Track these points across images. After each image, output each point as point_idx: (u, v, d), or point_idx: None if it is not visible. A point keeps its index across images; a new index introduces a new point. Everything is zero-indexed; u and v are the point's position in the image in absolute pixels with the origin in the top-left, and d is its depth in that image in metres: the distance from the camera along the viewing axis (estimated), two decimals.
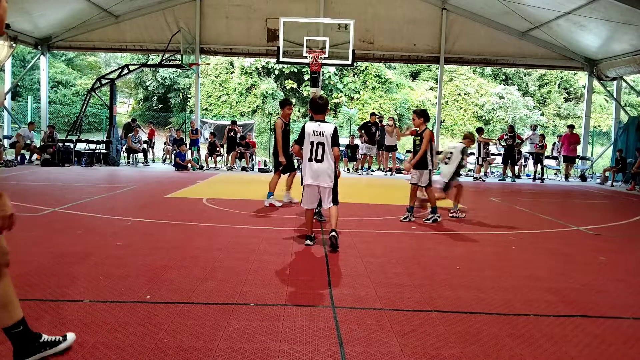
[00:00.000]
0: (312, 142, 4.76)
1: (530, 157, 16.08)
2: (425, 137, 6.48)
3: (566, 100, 28.92)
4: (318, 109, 4.90)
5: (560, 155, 16.44)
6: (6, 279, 2.22)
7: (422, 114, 6.57)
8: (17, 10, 13.97)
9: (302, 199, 5.04)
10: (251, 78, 26.15)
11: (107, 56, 29.39)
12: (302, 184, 5.00)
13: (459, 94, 27.84)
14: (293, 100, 26.36)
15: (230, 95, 26.22)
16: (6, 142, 14.75)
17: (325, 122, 4.90)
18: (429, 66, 27.69)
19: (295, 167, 7.98)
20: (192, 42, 16.28)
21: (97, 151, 15.25)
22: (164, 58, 15.60)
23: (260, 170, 15.38)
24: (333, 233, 4.74)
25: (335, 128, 4.85)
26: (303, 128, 4.88)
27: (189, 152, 15.70)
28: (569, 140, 15.74)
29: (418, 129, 6.62)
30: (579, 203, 10.42)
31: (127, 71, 16.18)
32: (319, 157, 4.75)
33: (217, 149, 15.97)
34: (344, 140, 15.82)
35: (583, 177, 16.37)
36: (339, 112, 26.36)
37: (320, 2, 16.28)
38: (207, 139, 16.50)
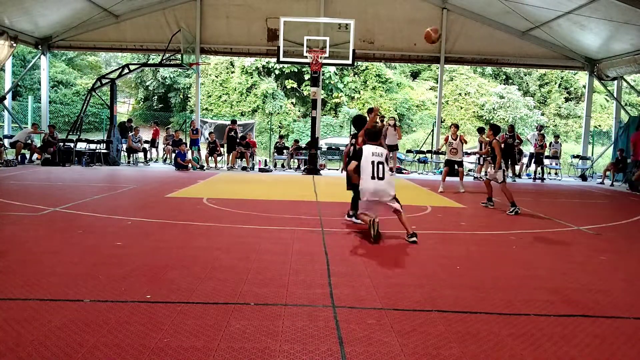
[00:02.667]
0: (372, 162, 5.24)
1: (532, 157, 16.01)
2: (496, 146, 7.92)
3: (567, 99, 28.91)
4: (375, 136, 5.50)
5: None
6: None
7: (493, 129, 8.10)
8: (17, 10, 13.98)
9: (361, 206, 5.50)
10: (251, 78, 26.15)
11: (108, 56, 29.42)
12: (362, 199, 5.40)
13: (460, 93, 27.83)
14: (293, 100, 26.46)
15: (231, 95, 26.22)
16: (6, 142, 14.75)
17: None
18: (429, 66, 27.67)
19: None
20: (193, 42, 16.28)
21: (97, 151, 15.25)
22: (164, 58, 15.60)
23: (261, 170, 15.37)
24: (414, 239, 5.24)
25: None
26: (360, 150, 5.40)
27: (189, 151, 15.70)
28: None
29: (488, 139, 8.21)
30: (579, 203, 10.42)
31: (128, 71, 16.16)
32: (381, 175, 5.22)
33: (218, 148, 15.97)
34: (344, 140, 15.77)
35: (583, 177, 16.35)
36: (339, 111, 26.36)
37: (321, 2, 16.27)
38: (207, 138, 16.50)
